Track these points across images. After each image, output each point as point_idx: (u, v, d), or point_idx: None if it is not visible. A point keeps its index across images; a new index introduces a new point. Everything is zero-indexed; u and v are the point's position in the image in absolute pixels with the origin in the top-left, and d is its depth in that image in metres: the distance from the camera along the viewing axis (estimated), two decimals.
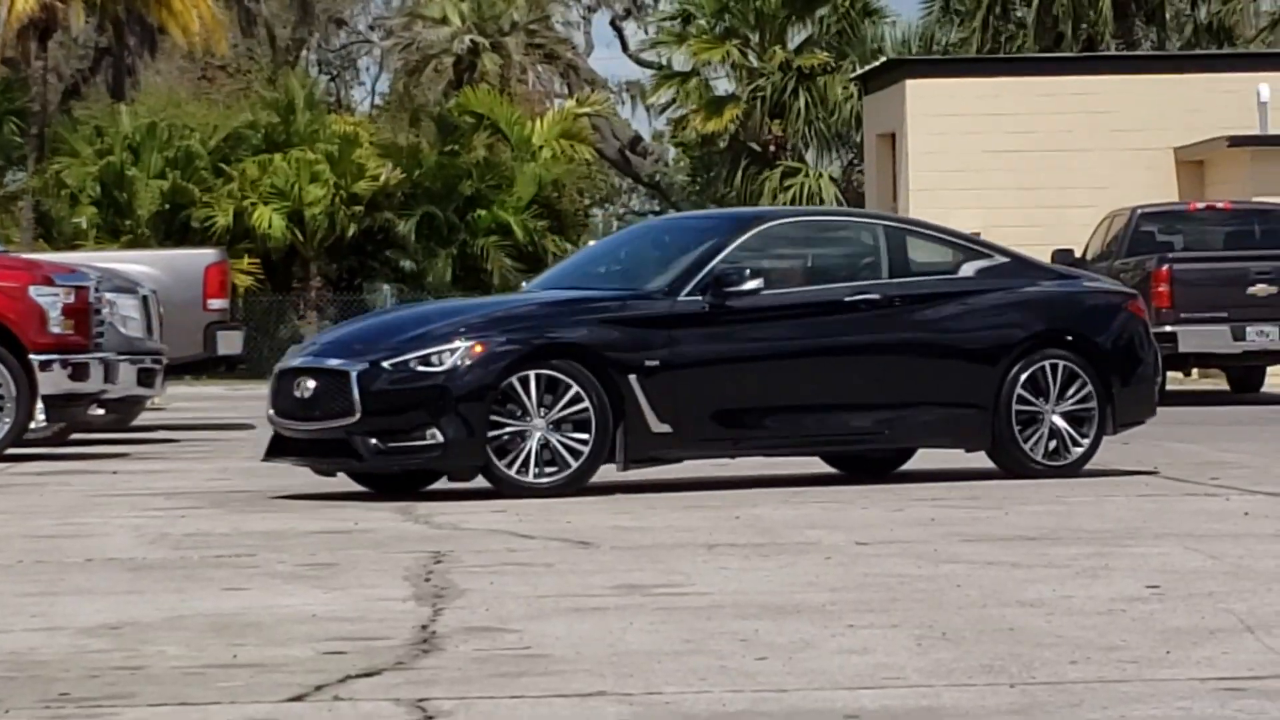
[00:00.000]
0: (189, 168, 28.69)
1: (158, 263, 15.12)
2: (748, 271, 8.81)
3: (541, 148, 31.72)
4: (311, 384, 8.33)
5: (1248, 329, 16.99)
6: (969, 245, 10.19)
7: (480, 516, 8.30)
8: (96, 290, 11.58)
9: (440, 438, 8.23)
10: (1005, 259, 9.92)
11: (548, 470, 8.28)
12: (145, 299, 12.70)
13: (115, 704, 3.57)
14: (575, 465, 8.31)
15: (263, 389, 17.58)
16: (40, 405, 11.03)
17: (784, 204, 31.03)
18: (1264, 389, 18.34)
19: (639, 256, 10.08)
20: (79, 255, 17.52)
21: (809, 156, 34.89)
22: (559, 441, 8.30)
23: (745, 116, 33.89)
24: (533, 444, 8.22)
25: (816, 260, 9.89)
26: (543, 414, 8.25)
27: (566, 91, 38.72)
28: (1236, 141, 22.89)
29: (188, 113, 31.00)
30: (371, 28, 42.77)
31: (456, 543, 7.36)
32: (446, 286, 29.01)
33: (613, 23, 42.23)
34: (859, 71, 30.18)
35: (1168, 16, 34.08)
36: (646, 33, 40.05)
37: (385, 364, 8.32)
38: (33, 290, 11.15)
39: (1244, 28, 34.68)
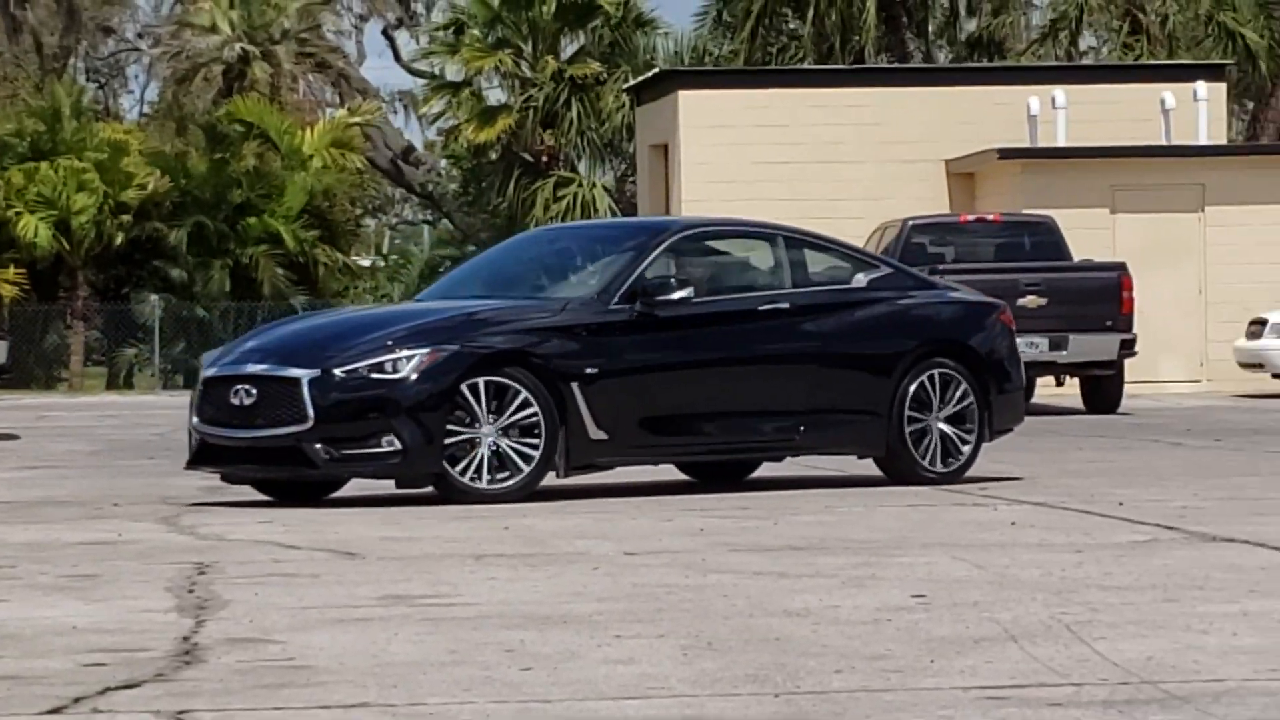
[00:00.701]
0: None
1: None
2: (673, 281, 9.05)
3: (312, 157, 31.42)
4: (254, 391, 8.29)
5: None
6: (859, 256, 10.62)
7: (246, 528, 8.27)
8: None
9: (399, 444, 8.26)
10: (890, 269, 10.51)
11: (499, 476, 8.37)
12: None
13: None
14: (527, 470, 8.42)
15: (29, 399, 18.78)
16: None
17: (557, 214, 32.20)
18: (1034, 400, 17.49)
19: (545, 266, 10.25)
20: None
21: (582, 167, 35.08)
22: (509, 447, 8.37)
23: (517, 127, 33.84)
24: (484, 450, 8.28)
25: (725, 270, 10.12)
26: (492, 420, 8.32)
27: (338, 101, 38.73)
28: (1006, 154, 23.06)
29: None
30: (140, 35, 41.98)
31: (221, 554, 7.24)
32: (222, 296, 29.82)
33: (385, 32, 42.23)
34: (631, 82, 30.24)
35: (939, 29, 34.44)
36: (419, 42, 40.34)
37: (337, 371, 8.33)
38: None
39: (1014, 41, 35.47)
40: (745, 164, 23.59)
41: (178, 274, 30.48)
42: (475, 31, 33.77)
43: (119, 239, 29.91)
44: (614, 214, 31.98)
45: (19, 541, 7.84)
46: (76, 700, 3.66)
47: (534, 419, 8.40)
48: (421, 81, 37.47)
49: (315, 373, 8.32)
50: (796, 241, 10.08)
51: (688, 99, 24.54)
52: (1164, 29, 31.57)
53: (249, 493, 9.50)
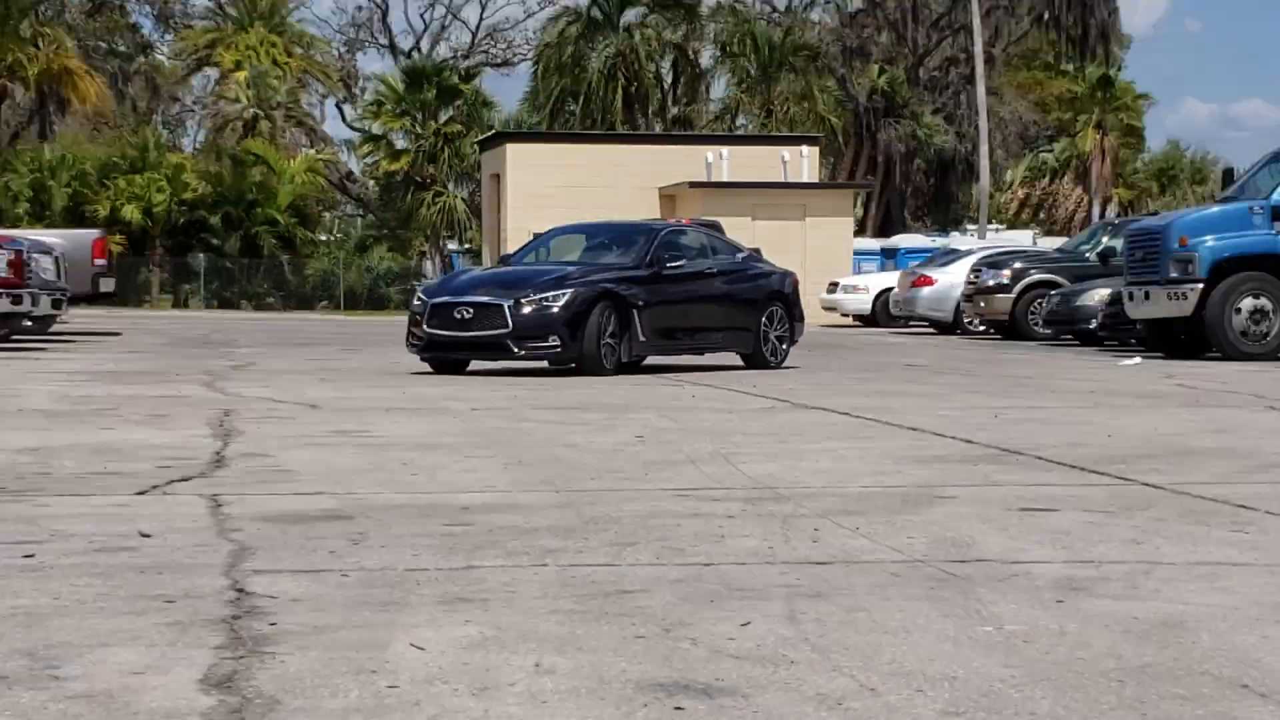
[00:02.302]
0: (84, 181, 43.58)
1: (65, 237, 21.98)
2: (668, 255, 14.59)
3: (294, 176, 47.34)
4: (472, 310, 13.23)
5: None
6: (735, 245, 17.07)
7: (253, 390, 12.25)
8: (27, 252, 16.85)
9: (558, 342, 13.40)
10: (748, 252, 16.87)
11: (607, 359, 13.44)
12: (57, 258, 18.44)
13: (33, 494, 5.91)
14: (615, 356, 13.63)
15: (127, 312, 32.92)
16: None
17: (436, 214, 48.96)
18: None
19: (592, 246, 15.92)
20: (18, 231, 23.19)
21: (450, 186, 51.16)
22: (607, 344, 13.44)
23: (413, 162, 50.78)
24: (601, 345, 13.61)
25: (685, 250, 15.53)
26: (603, 328, 13.65)
27: (309, 143, 55.82)
28: (694, 185, 35.93)
29: (85, 148, 47.42)
30: (195, 101, 62.33)
31: (239, 405, 10.85)
32: (239, 255, 45.75)
33: (337, 104, 63.21)
34: (480, 137, 45.88)
35: (657, 111, 52.65)
36: (357, 111, 59.68)
37: (523, 301, 13.26)
38: None
39: (699, 119, 53.90)
40: (547, 187, 34.74)
41: (215, 241, 46.03)
42: (389, 106, 51.60)
43: (180, 220, 45.31)
44: (468, 218, 48.52)
45: (122, 395, 11.64)
46: (154, 487, 6.10)
47: (618, 329, 14.28)
48: (358, 134, 56.52)
49: (510, 302, 13.34)
50: (715, 237, 17.32)
51: (513, 149, 37.68)
52: (785, 115, 47.98)
53: (259, 372, 14.88)
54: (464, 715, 2.83)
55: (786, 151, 35.55)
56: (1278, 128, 61.02)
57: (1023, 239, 31.62)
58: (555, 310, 13.36)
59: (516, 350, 13.33)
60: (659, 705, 2.91)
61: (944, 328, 23.94)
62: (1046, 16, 37.76)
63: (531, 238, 17.25)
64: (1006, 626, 3.74)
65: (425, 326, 13.28)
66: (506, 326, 13.09)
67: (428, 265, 44.81)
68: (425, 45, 47.56)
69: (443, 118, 45.04)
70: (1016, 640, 3.58)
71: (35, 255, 16.18)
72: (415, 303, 14.17)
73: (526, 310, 13.25)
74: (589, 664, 3.31)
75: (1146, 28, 71.28)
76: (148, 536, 5.04)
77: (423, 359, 13.92)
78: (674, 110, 45.73)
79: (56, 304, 16.95)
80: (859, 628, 3.70)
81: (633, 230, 16.34)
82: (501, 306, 13.13)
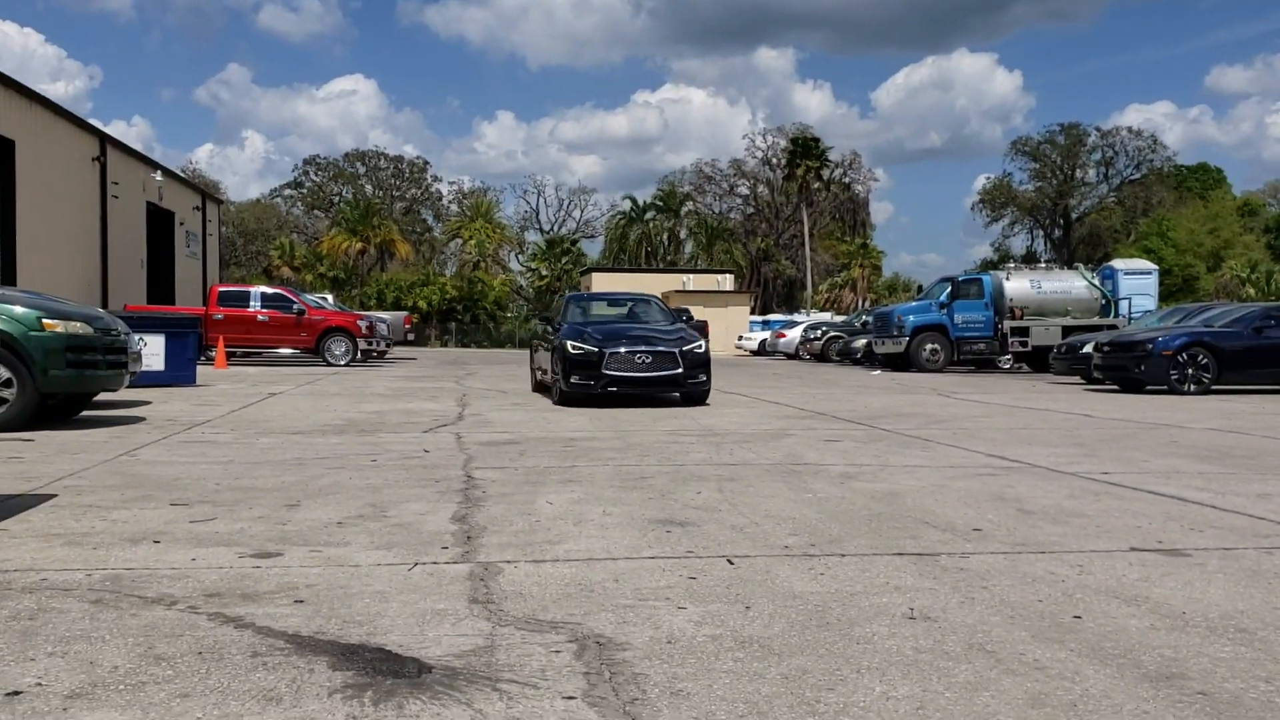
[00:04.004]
0: (400, 290, 67.31)
1: (392, 315, 36.82)
2: (687, 312, 16.31)
3: (495, 288, 73.13)
4: (650, 357, 14.00)
5: None
6: (679, 314, 16.28)
7: (476, 384, 17.19)
8: (374, 322, 28.58)
9: (705, 379, 14.10)
10: (687, 318, 15.97)
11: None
12: (388, 324, 31.89)
13: (375, 431, 10.49)
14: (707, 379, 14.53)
15: (420, 349, 53.48)
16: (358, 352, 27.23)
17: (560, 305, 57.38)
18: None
19: (621, 314, 16.29)
20: (373, 313, 34.49)
21: (567, 291, 57.91)
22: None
23: (550, 281, 71.87)
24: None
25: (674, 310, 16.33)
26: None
27: (502, 272, 79.53)
28: (677, 292, 50.67)
29: (400, 275, 72.80)
30: (451, 254, 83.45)
31: (470, 392, 14.98)
32: (468, 321, 65.56)
33: (515, 255, 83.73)
34: (581, 269, 62.04)
35: (660, 258, 68.04)
36: (524, 257, 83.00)
37: (684, 348, 14.23)
38: (358, 323, 26.96)
39: (680, 262, 71.23)
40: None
41: (459, 316, 69.01)
42: (540, 255, 77.90)
43: (443, 307, 68.71)
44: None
45: (415, 386, 18.46)
46: (430, 429, 10.11)
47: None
48: (526, 269, 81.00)
49: (679, 349, 14.11)
50: (675, 309, 16.36)
51: (596, 275, 56.63)
52: (719, 261, 72.97)
53: (478, 376, 21.18)
54: (569, 530, 4.94)
55: (719, 278, 55.79)
56: (944, 267, 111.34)
57: (825, 317, 50.75)
58: (702, 354, 14.21)
59: (684, 385, 14.02)
60: (659, 529, 4.95)
61: (790, 357, 38.59)
62: (837, 215, 75.27)
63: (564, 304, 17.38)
64: (817, 494, 6.09)
65: (605, 370, 13.91)
66: (678, 367, 14.00)
67: None
68: (556, 227, 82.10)
69: (564, 260, 72.60)
70: (821, 500, 5.89)
71: (379, 323, 27.87)
72: (573, 352, 13.99)
73: (685, 355, 14.07)
74: (627, 511, 5.44)
75: (883, 219, 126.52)
76: (427, 452, 8.10)
77: (596, 393, 13.86)
78: (669, 259, 74.69)
79: (387, 345, 29.13)
80: (751, 495, 6.00)
81: (642, 299, 17.27)
82: (674, 353, 14.03)
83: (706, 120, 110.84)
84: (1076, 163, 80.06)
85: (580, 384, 13.62)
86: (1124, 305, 27.50)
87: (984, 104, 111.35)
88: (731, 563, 4.37)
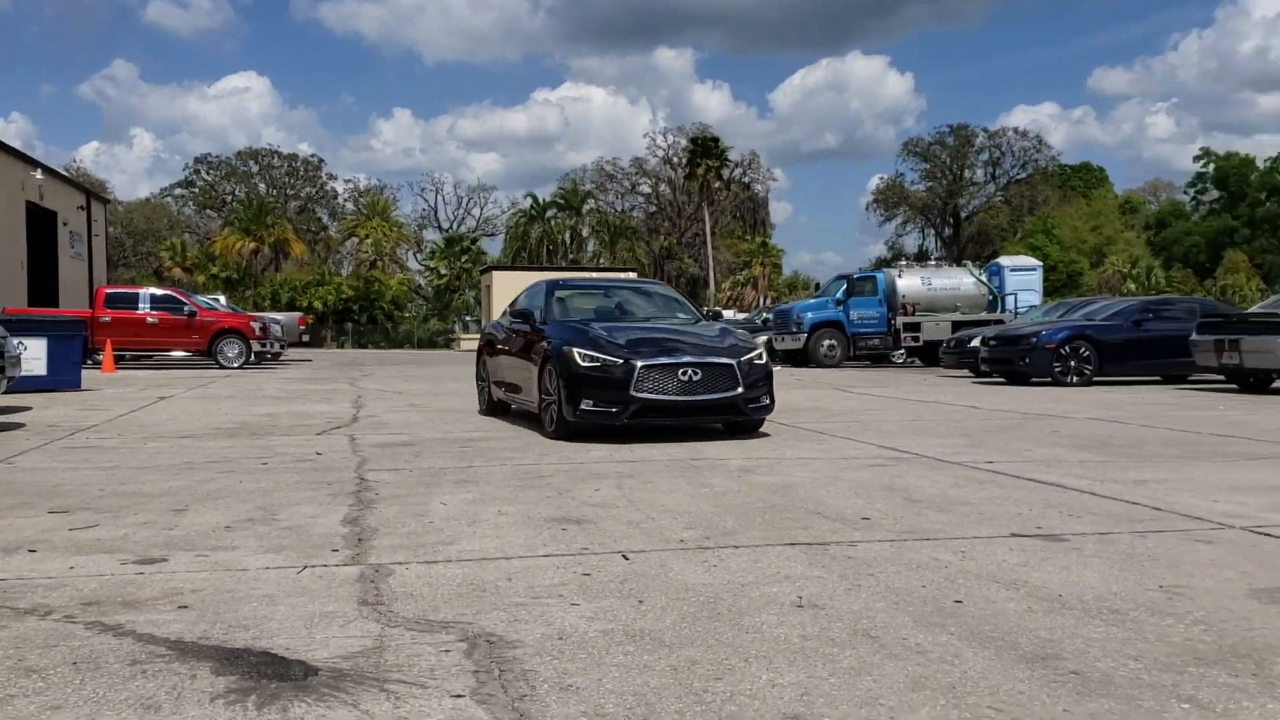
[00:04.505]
0: (295, 290, 65.41)
1: (286, 316, 35.43)
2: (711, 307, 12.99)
3: (393, 288, 70.50)
4: (698, 373, 9.57)
5: None
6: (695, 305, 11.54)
7: (372, 386, 18.16)
8: (268, 323, 28.06)
9: (769, 400, 9.96)
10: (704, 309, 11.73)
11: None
12: (281, 325, 31.12)
13: (266, 434, 8.61)
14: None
15: (315, 351, 47.44)
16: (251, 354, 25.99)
17: (459, 303, 70.19)
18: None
19: (637, 306, 11.96)
20: (266, 314, 32.80)
21: (466, 291, 71.57)
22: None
23: (449, 280, 72.81)
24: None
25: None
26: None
27: (400, 271, 77.91)
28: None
29: (295, 276, 66.86)
30: (347, 253, 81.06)
31: (365, 393, 13.06)
32: (365, 322, 64.17)
33: (414, 254, 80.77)
34: (481, 268, 61.27)
35: (562, 256, 66.59)
36: (422, 256, 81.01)
37: (742, 358, 9.82)
38: (252, 324, 25.86)
39: (582, 261, 67.96)
40: (511, 291, 39.68)
41: (355, 317, 66.70)
42: (439, 254, 76.07)
43: (339, 307, 66.48)
44: (474, 305, 66.72)
45: (310, 388, 17.86)
46: (324, 431, 9.82)
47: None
48: (425, 268, 78.07)
49: (736, 360, 9.86)
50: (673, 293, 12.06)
51: (496, 274, 55.56)
52: (622, 260, 72.16)
53: (374, 377, 20.77)
54: (463, 530, 4.87)
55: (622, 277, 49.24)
56: (841, 265, 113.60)
57: (729, 314, 46.97)
58: (765, 364, 10.14)
59: (744, 411, 9.87)
60: (555, 527, 4.91)
61: None
62: (738, 214, 76.37)
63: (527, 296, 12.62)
64: (715, 488, 6.12)
65: (636, 391, 9.50)
66: (738, 387, 9.75)
67: (458, 327, 64.02)
68: (455, 225, 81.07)
69: (463, 259, 71.42)
70: (718, 494, 5.94)
71: (273, 325, 27.14)
72: (585, 365, 9.73)
73: (748, 369, 9.83)
74: (523, 510, 5.38)
75: (783, 218, 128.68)
76: (320, 454, 7.94)
77: (624, 424, 9.66)
78: (571, 257, 74.43)
79: (281, 347, 28.10)
80: (649, 491, 6.04)
81: (653, 287, 13.02)
82: (732, 366, 9.73)
83: (607, 119, 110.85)
84: (965, 163, 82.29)
85: (598, 410, 9.37)
86: (1010, 300, 28.34)
87: (877, 106, 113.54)
88: (627, 558, 4.35)
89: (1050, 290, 48.84)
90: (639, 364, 9.46)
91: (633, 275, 56.46)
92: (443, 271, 73.96)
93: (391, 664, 2.96)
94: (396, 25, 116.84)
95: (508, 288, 53.77)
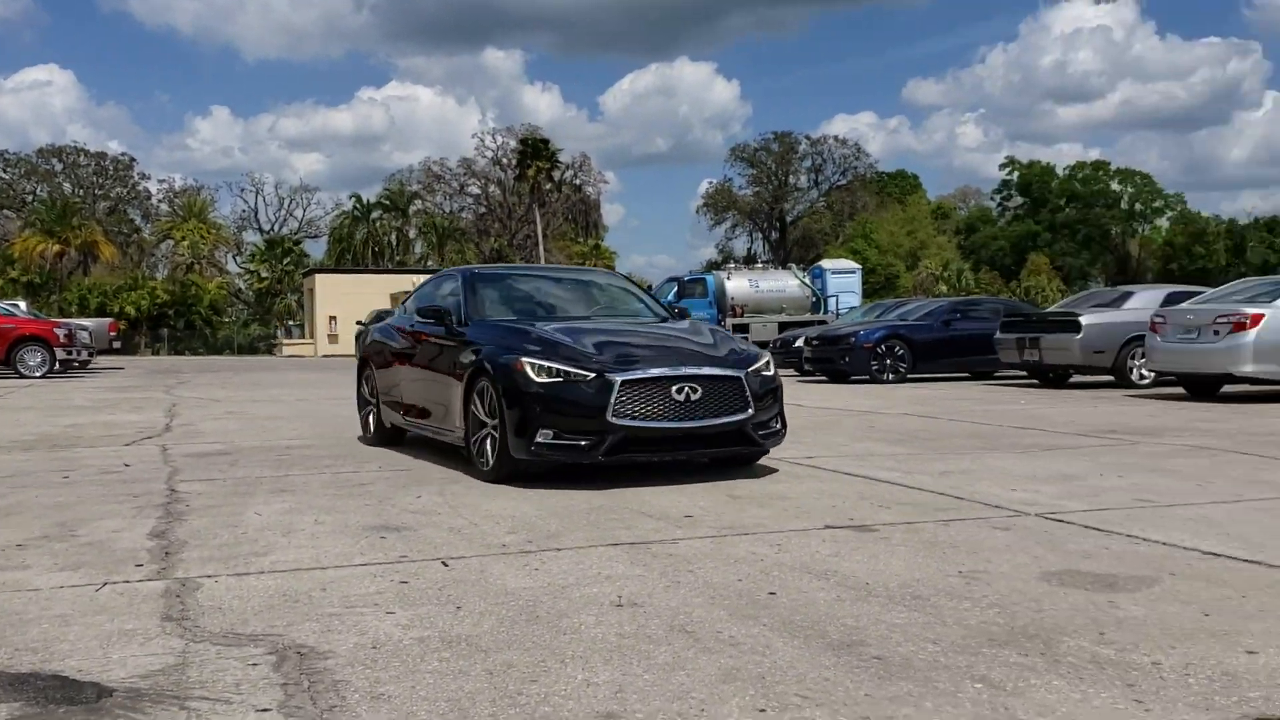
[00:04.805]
0: (106, 295, 62.64)
1: (95, 323, 33.17)
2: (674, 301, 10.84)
3: (211, 291, 67.97)
4: (698, 389, 7.05)
5: None
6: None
7: (188, 394, 16.91)
8: (75, 330, 26.60)
9: (781, 426, 7.66)
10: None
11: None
12: (90, 332, 28.91)
13: (70, 445, 6.81)
14: None
15: (128, 359, 46.64)
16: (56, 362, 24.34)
17: (282, 307, 66.92)
18: None
19: (591, 299, 9.24)
20: (72, 320, 32.73)
21: (289, 294, 70.89)
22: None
23: (271, 282, 70.38)
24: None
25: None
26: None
27: (219, 274, 72.94)
28: (407, 295, 49.72)
29: (106, 279, 64.20)
30: (163, 256, 79.15)
31: (180, 401, 12.94)
32: (182, 328, 59.35)
33: (234, 256, 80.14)
34: (304, 270, 60.08)
35: (388, 259, 64.64)
36: (242, 259, 78.29)
37: (749, 369, 7.38)
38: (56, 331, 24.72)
39: (410, 263, 69.22)
40: (335, 295, 50.92)
41: (172, 323, 63.58)
42: (259, 256, 73.62)
43: (154, 313, 63.63)
44: (296, 309, 65.33)
45: (120, 397, 16.87)
46: (133, 441, 9.52)
47: None
48: (245, 270, 76.03)
49: (743, 373, 7.37)
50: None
51: (320, 276, 55.39)
52: (451, 262, 61.87)
53: (191, 384, 19.29)
54: (277, 540, 4.74)
55: None
56: (673, 268, 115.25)
57: None
58: (774, 376, 7.66)
59: (753, 440, 7.38)
60: (374, 535, 4.81)
61: None
62: (570, 216, 76.98)
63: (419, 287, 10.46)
64: (540, 492, 6.17)
65: (614, 416, 6.84)
66: (748, 408, 7.22)
67: (280, 333, 62.45)
68: (277, 227, 79.86)
69: (285, 261, 70.62)
70: (543, 498, 5.96)
71: (79, 331, 25.74)
72: (540, 380, 7.04)
73: (757, 384, 7.39)
74: (341, 519, 5.26)
75: (615, 220, 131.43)
76: (128, 465, 7.60)
77: (589, 463, 6.96)
78: (398, 259, 74.32)
79: (90, 354, 26.73)
80: (473, 496, 5.99)
81: (609, 279, 10.28)
82: (740, 380, 7.23)
83: (435, 119, 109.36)
84: (789, 169, 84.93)
85: (560, 444, 6.84)
86: (832, 302, 29.36)
87: (705, 111, 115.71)
88: (446, 565, 4.32)
89: (870, 292, 50.86)
90: (618, 378, 6.79)
91: None
92: (264, 274, 71.68)
93: (194, 680, 2.85)
94: (213, 21, 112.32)
95: (331, 291, 53.63)
